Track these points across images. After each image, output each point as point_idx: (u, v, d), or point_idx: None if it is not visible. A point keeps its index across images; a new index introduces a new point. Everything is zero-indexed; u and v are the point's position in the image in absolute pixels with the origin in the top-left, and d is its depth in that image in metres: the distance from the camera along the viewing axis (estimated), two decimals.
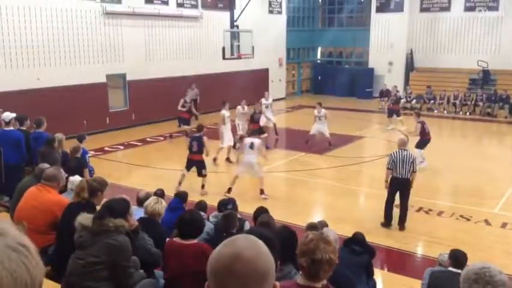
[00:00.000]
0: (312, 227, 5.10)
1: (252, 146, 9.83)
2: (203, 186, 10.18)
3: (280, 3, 24.76)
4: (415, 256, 7.72)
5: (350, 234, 5.61)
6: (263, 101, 15.28)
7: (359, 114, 20.58)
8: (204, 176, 10.19)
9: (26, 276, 1.00)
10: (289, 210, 9.17)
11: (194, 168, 10.21)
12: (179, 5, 19.20)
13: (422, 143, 12.03)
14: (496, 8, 22.50)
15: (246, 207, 7.20)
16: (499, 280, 1.98)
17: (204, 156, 10.25)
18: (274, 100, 24.49)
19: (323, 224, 5.68)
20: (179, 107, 15.16)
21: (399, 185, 8.22)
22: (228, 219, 5.11)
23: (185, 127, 15.16)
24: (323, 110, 14.34)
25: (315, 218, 6.18)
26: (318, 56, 29.23)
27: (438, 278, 4.74)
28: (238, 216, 6.66)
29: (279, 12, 24.86)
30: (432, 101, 21.68)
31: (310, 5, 27.83)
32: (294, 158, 13.58)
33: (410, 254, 7.67)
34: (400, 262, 7.44)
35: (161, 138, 16.08)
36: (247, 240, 1.40)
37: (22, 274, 0.99)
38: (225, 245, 1.38)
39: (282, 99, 25.45)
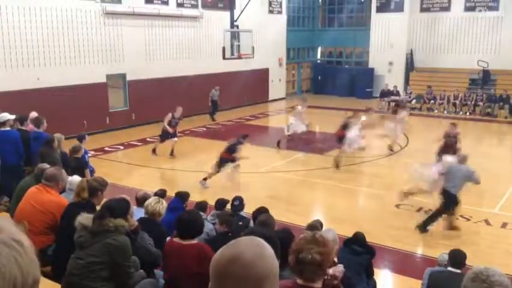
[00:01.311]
0: (311, 226, 5.09)
1: None
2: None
3: (281, 3, 24.76)
4: (415, 256, 7.72)
5: (350, 234, 5.61)
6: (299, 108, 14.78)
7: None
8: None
9: (16, 272, 0.98)
10: (289, 210, 9.17)
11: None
12: (179, 5, 19.20)
13: None
14: (496, 8, 22.50)
15: (246, 207, 7.20)
16: (496, 280, 1.98)
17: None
18: (274, 100, 24.71)
19: (320, 224, 5.68)
20: (165, 124, 13.17)
21: None
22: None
23: (174, 139, 13.43)
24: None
25: (315, 218, 6.18)
26: (318, 56, 29.22)
27: (438, 278, 4.75)
28: (244, 215, 6.67)
29: (279, 12, 24.85)
30: (432, 101, 21.69)
31: (310, 5, 27.83)
32: (294, 158, 13.58)
33: (410, 254, 7.67)
34: (400, 262, 7.44)
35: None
36: (250, 241, 1.40)
37: (11, 269, 0.97)
38: (227, 246, 1.38)
39: (282, 99, 25.45)
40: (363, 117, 13.65)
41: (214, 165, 10.54)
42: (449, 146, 10.51)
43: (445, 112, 21.10)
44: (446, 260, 5.05)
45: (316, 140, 14.71)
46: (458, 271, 4.64)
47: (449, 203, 7.96)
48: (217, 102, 19.33)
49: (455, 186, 7.87)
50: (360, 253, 5.14)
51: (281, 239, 3.65)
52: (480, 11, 22.87)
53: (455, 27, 23.37)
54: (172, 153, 13.33)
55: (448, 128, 11.22)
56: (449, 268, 4.76)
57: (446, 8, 23.76)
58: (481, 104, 20.78)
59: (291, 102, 24.25)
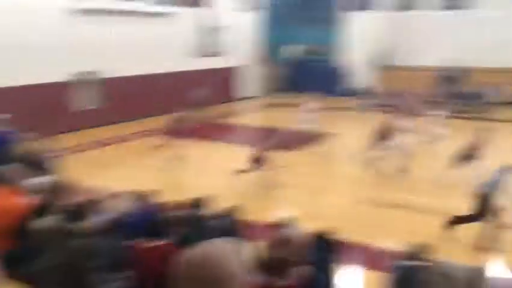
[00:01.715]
0: (280, 224, 5.10)
1: None
2: None
3: (255, 0, 24.74)
4: (384, 251, 7.80)
5: (320, 231, 5.63)
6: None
7: (333, 112, 20.73)
8: None
9: None
10: (260, 206, 9.17)
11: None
12: (152, 2, 18.97)
13: None
14: (469, 7, 22.99)
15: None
16: (454, 277, 2.01)
17: None
18: (247, 98, 24.66)
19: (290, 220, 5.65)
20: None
21: None
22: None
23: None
24: None
25: (284, 214, 6.19)
26: (292, 54, 29.29)
27: (404, 271, 4.82)
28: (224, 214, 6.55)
29: (253, 9, 24.84)
30: (403, 99, 21.90)
31: (284, 2, 27.88)
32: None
33: (379, 249, 7.75)
34: (369, 258, 7.52)
35: (134, 137, 15.88)
36: (212, 245, 1.41)
37: None
38: (192, 248, 1.39)
39: (255, 97, 25.46)
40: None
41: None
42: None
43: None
44: (412, 252, 5.11)
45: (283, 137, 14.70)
46: (425, 264, 4.72)
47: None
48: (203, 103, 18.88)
49: None
50: (325, 249, 5.16)
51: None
52: (452, 9, 23.36)
53: (427, 26, 23.71)
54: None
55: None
56: (414, 262, 4.84)
57: (419, 6, 24.19)
58: (453, 101, 21.05)
59: (267, 100, 24.32)
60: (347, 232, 6.96)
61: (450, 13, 23.46)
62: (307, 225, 6.01)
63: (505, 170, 7.94)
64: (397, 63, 24.48)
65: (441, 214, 8.71)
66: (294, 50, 28.67)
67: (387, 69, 24.48)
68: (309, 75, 26.63)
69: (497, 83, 20.94)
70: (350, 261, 7.01)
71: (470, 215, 7.93)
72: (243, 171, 10.55)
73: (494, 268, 5.90)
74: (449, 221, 8.16)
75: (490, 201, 7.61)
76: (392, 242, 8.02)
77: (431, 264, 4.65)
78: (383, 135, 11.87)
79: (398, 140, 11.91)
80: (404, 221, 8.87)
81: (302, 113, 14.73)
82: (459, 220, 8.10)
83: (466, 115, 19.75)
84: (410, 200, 9.90)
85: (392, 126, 12.07)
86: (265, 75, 27.44)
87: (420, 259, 4.87)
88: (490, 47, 21.59)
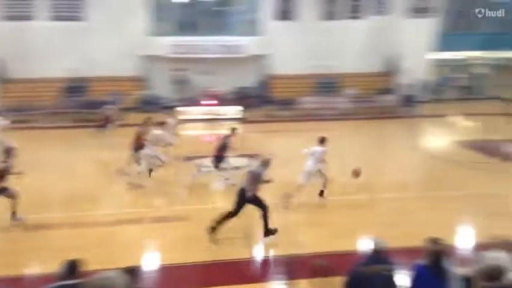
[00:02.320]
0: None
1: None
2: None
3: None
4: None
5: None
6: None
7: None
8: None
9: None
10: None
11: None
12: None
13: None
14: (80, 18, 23.99)
15: None
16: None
17: None
18: None
19: None
20: None
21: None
22: None
23: None
24: None
25: None
26: None
27: None
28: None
29: None
30: (28, 112, 20.94)
31: None
32: None
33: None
34: None
35: None
36: None
37: None
38: None
39: None
40: None
41: None
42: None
43: (41, 122, 20.66)
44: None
45: None
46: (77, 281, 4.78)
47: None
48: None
49: None
50: None
51: None
52: (66, 20, 23.84)
53: (43, 36, 23.33)
54: None
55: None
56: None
57: (32, 17, 23.65)
58: (75, 110, 21.60)
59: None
60: None
61: (63, 23, 23.87)
62: None
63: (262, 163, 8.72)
64: (16, 75, 23.15)
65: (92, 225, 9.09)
66: None
67: (5, 82, 22.91)
68: None
69: (118, 91, 22.69)
70: None
71: (229, 212, 8.51)
72: None
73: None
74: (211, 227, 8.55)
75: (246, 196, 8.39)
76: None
77: (85, 280, 4.50)
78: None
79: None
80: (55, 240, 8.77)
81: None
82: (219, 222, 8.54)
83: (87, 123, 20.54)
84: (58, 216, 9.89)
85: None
86: None
87: (73, 277, 4.89)
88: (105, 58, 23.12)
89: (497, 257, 5.18)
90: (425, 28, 26.11)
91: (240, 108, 22.06)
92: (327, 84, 25.44)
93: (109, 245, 8.54)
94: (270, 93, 24.86)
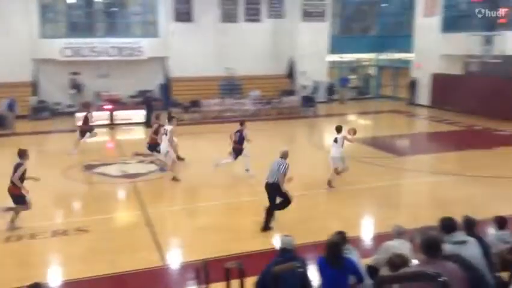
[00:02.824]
0: None
1: None
2: None
3: None
4: None
5: None
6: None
7: None
8: None
9: None
10: None
11: None
12: None
13: None
14: None
15: None
16: None
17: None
18: None
19: None
20: None
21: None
22: None
23: None
24: None
25: None
26: None
27: None
28: None
29: None
30: None
31: None
32: None
33: None
34: None
35: None
36: None
37: None
38: None
39: None
40: None
41: None
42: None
43: None
44: None
45: None
46: None
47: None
48: None
49: None
50: None
51: None
52: None
53: None
54: None
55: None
56: None
57: None
58: None
59: None
60: None
61: None
62: None
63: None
64: None
65: None
66: None
67: None
68: None
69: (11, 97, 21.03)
70: None
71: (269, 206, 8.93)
72: None
73: None
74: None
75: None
76: None
77: None
78: None
79: None
80: None
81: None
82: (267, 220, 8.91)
83: None
84: None
85: None
86: None
87: None
88: None
89: (399, 247, 5.55)
90: (321, 31, 27.30)
91: (143, 112, 21.37)
92: (231, 87, 25.57)
93: (7, 263, 7.83)
94: (173, 96, 24.43)
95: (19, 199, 9.06)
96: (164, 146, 12.54)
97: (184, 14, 25.49)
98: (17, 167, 8.97)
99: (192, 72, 24.60)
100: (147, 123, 19.99)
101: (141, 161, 14.46)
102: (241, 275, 5.56)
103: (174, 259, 8.18)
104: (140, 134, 19.41)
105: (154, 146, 13.35)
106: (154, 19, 25.32)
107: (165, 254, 8.24)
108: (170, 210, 10.68)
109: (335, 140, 11.56)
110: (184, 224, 9.78)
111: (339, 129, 11.72)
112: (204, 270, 5.97)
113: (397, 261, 4.74)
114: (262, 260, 6.27)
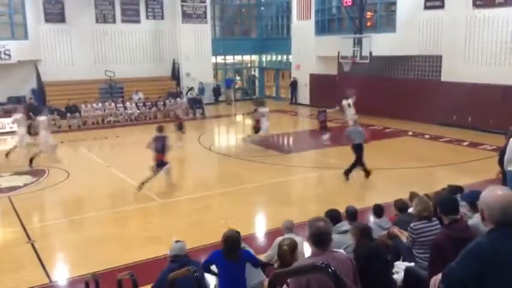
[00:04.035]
0: None
1: None
2: None
3: None
4: None
5: None
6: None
7: None
8: None
9: None
10: None
11: None
12: None
13: None
14: None
15: None
16: None
17: None
18: None
19: None
20: None
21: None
22: None
23: None
24: None
25: None
26: None
27: None
28: None
29: None
30: None
31: None
32: None
33: None
34: None
35: None
36: None
37: None
38: None
39: None
40: None
41: None
42: None
43: None
44: None
45: None
46: None
47: None
48: None
49: None
50: None
51: None
52: None
53: None
54: None
55: None
56: None
57: None
58: None
59: None
60: None
61: None
62: None
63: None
64: None
65: None
66: None
67: None
68: None
69: None
70: None
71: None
72: None
73: None
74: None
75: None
76: None
77: None
78: None
79: None
80: None
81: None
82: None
83: None
84: None
85: None
86: None
87: None
88: None
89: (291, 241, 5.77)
90: (203, 33, 27.41)
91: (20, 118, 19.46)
92: (112, 90, 24.58)
93: None
94: (48, 102, 22.71)
95: None
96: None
97: (55, 15, 23.90)
98: None
99: (68, 76, 23.20)
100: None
101: (16, 173, 13.31)
102: (134, 285, 5.39)
103: (61, 275, 7.63)
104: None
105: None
106: (22, 20, 23.24)
107: (51, 271, 7.64)
108: (53, 224, 9.96)
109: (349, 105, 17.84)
110: (69, 237, 9.19)
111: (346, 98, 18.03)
112: (95, 283, 5.66)
113: (286, 249, 4.94)
114: (154, 268, 6.13)
